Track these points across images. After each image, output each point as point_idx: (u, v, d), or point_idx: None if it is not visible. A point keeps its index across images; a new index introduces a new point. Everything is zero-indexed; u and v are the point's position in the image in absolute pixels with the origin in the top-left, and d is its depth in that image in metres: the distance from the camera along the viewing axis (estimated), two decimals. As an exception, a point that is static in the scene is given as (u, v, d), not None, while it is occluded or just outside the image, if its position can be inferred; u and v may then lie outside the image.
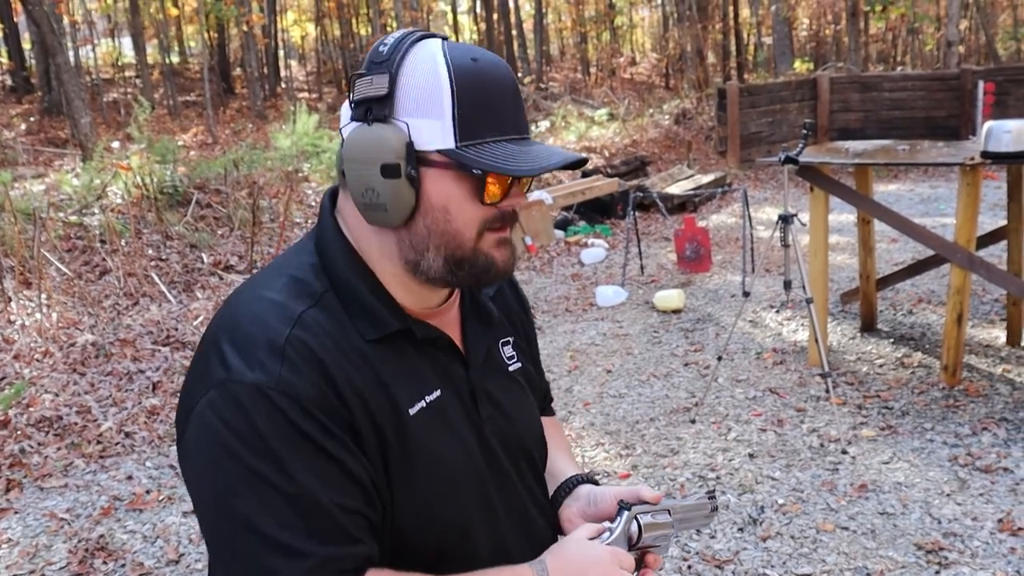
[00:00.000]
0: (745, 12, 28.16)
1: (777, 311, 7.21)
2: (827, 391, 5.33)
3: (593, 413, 5.37)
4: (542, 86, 24.10)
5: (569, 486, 1.45)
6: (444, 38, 1.18)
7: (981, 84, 13.54)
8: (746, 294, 5.29)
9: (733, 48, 26.65)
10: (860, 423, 4.93)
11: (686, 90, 19.20)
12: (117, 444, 5.17)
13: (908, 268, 6.77)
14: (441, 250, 1.16)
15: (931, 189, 12.96)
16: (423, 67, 1.12)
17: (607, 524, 1.30)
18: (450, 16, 33.30)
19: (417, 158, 1.12)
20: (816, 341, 5.23)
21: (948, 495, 4.09)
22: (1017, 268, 5.94)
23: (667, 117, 17.52)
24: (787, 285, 5.24)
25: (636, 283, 8.47)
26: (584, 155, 1.31)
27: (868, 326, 6.54)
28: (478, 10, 32.90)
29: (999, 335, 6.17)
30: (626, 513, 1.29)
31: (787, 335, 6.62)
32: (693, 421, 5.12)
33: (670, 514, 1.33)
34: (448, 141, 1.11)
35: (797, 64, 19.73)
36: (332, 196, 1.26)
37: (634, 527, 1.29)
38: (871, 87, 15.81)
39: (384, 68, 1.12)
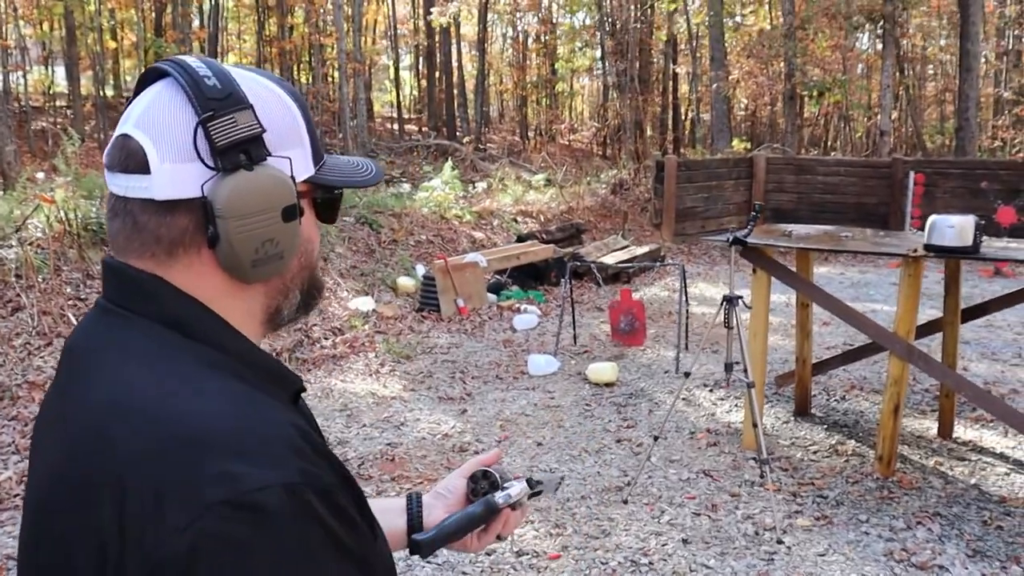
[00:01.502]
0: (684, 87, 28.69)
1: (711, 390, 7.14)
2: (762, 476, 5.24)
3: (523, 487, 5.19)
4: (480, 147, 24.14)
5: (413, 505, 1.42)
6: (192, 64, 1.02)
7: (912, 175, 13.86)
8: (686, 375, 5.19)
9: (671, 122, 27.08)
10: (795, 511, 4.83)
11: (624, 160, 19.36)
12: (16, 496, 4.85)
13: (844, 355, 6.76)
14: (303, 284, 1.11)
15: (860, 274, 13.14)
16: (267, 95, 1.03)
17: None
18: (392, 71, 33.38)
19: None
20: (754, 426, 5.14)
21: (885, 594, 3.99)
22: (951, 360, 5.96)
23: (604, 186, 17.61)
24: (728, 367, 5.15)
25: (568, 353, 8.35)
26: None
27: (802, 411, 6.50)
28: (420, 67, 33.04)
29: (931, 426, 6.16)
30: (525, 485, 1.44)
31: (721, 415, 6.54)
32: (625, 501, 4.97)
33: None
34: (310, 167, 1.07)
35: (735, 142, 20.07)
36: (134, 274, 1.00)
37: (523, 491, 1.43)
38: (806, 170, 16.12)
39: (237, 104, 0.98)
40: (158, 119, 0.98)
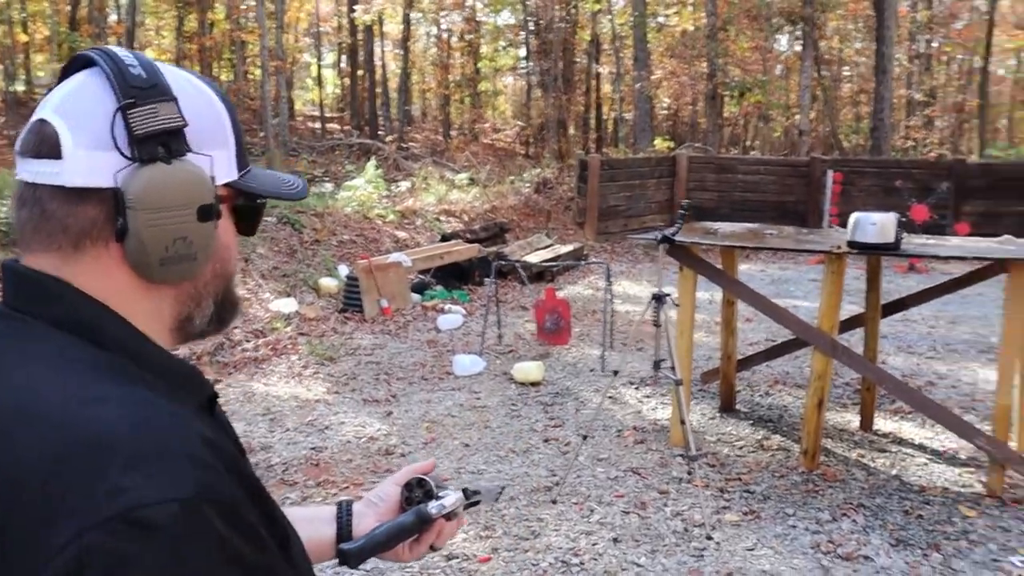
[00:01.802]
0: (606, 87, 28.85)
1: (637, 388, 7.15)
2: (690, 473, 5.25)
3: (451, 488, 5.12)
4: (403, 146, 23.98)
5: (343, 513, 1.36)
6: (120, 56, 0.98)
7: (830, 173, 14.12)
8: (615, 373, 5.18)
9: (594, 122, 27.21)
10: (723, 507, 4.85)
11: (547, 159, 19.39)
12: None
13: (768, 351, 6.83)
14: (217, 295, 1.05)
15: (781, 271, 13.34)
16: (194, 92, 1.00)
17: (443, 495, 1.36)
18: (314, 68, 33.03)
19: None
20: (682, 423, 5.16)
21: (813, 587, 4.02)
22: (872, 354, 6.05)
23: (527, 185, 17.60)
24: (657, 365, 5.15)
25: (494, 353, 8.31)
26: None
27: (727, 406, 6.54)
28: (343, 65, 32.72)
29: (852, 419, 6.26)
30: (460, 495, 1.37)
31: (647, 413, 6.55)
32: (555, 501, 4.94)
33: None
34: (233, 172, 1.03)
35: (658, 142, 20.24)
36: (36, 276, 0.94)
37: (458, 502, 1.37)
38: (727, 169, 16.33)
39: (161, 95, 0.94)
40: (77, 105, 0.93)
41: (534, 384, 7.27)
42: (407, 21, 27.54)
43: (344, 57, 31.88)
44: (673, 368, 4.99)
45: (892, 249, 5.12)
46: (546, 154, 20.44)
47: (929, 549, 4.34)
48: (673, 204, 16.04)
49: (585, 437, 5.20)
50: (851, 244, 5.16)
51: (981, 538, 4.47)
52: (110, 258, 0.94)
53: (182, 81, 0.99)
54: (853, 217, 5.20)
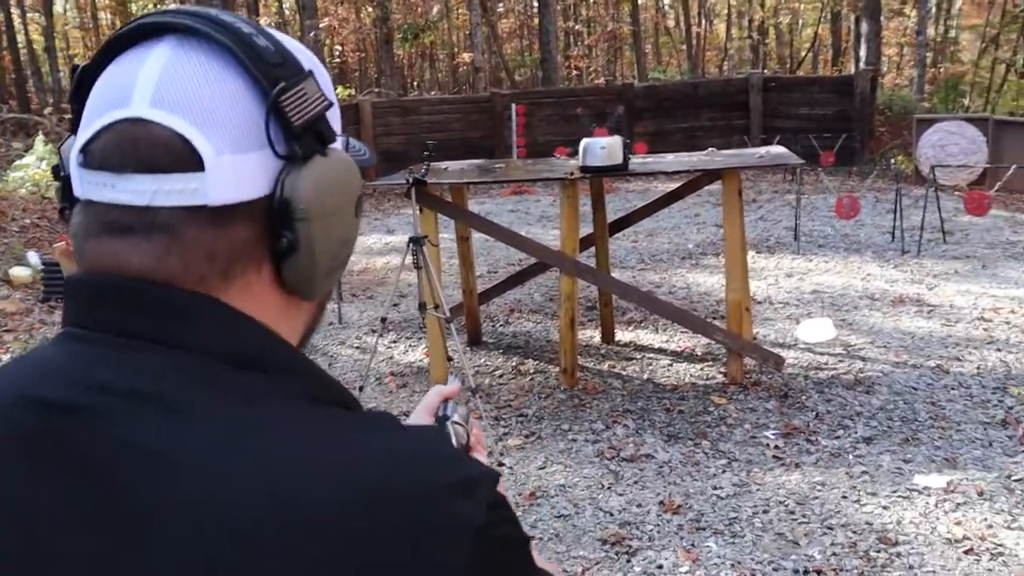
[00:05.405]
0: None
1: (380, 335, 7.22)
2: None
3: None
4: (64, 118, 22.27)
5: None
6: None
7: (514, 107, 14.66)
8: (383, 320, 5.24)
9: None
10: (504, 434, 5.07)
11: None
12: None
13: (507, 280, 7.11)
14: (327, 298, 0.86)
15: (479, 205, 13.74)
16: (310, 56, 0.79)
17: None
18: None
19: None
20: (450, 359, 5.31)
21: (609, 488, 4.32)
22: (606, 272, 6.46)
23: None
24: (422, 307, 5.24)
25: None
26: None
27: (475, 340, 6.76)
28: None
29: (593, 335, 6.67)
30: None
31: (399, 357, 6.65)
32: (341, 455, 4.95)
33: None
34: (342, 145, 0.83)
35: (339, 90, 20.04)
36: (180, 297, 0.72)
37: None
38: (411, 111, 16.53)
39: (298, 70, 0.74)
40: (198, 95, 0.71)
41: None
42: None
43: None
44: (437, 307, 5.12)
45: (621, 170, 5.48)
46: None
47: (697, 438, 4.78)
48: (424, 146, 16.07)
49: (361, 388, 5.23)
50: (583, 169, 5.46)
51: (737, 421, 4.98)
52: (261, 284, 0.75)
53: (295, 44, 0.78)
54: (583, 143, 5.49)
